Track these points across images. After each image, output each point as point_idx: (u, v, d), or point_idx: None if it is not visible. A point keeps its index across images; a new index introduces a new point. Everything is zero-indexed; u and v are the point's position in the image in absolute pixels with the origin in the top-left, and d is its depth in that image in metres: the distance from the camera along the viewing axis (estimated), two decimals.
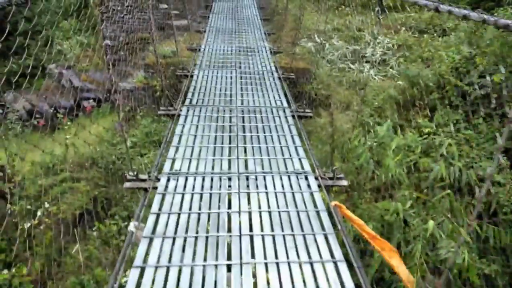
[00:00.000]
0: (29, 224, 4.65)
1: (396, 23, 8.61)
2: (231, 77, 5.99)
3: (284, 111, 4.95)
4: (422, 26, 8.86)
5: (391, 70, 7.53)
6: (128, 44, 9.53)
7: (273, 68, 6.52)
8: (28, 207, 4.91)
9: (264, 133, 4.34)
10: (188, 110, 4.76)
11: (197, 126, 4.37)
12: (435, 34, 8.50)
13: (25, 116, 8.22)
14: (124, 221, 5.10)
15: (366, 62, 7.72)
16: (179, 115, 4.67)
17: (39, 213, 4.85)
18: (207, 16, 9.91)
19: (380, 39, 8.36)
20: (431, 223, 3.95)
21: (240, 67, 6.47)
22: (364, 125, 5.96)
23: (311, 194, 3.31)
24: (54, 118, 7.93)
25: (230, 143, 4.03)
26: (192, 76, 6.01)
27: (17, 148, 5.49)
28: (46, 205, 4.94)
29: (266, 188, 3.35)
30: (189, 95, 5.25)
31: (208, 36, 8.16)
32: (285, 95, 5.55)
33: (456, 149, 4.84)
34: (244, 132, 4.36)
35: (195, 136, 4.16)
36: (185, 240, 2.71)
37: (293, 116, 4.87)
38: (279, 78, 6.21)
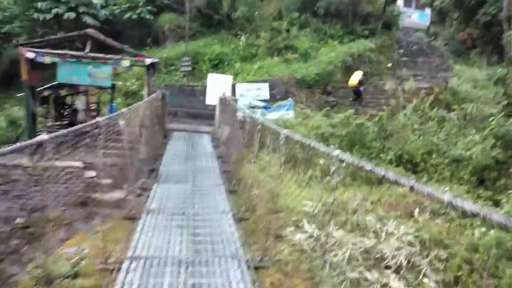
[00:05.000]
0: None
1: (410, 204, 6.55)
2: None
3: None
4: (435, 206, 6.86)
5: (426, 281, 4.98)
6: (27, 228, 6.52)
7: None
8: None
9: None
10: None
11: None
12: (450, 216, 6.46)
13: None
14: None
15: (387, 267, 5.17)
16: None
17: None
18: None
19: (391, 225, 6.09)
20: None
21: None
22: None
23: None
24: None
25: None
26: None
27: None
28: None
29: None
30: None
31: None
32: None
33: None
34: None
35: None
36: None
37: None
38: None
